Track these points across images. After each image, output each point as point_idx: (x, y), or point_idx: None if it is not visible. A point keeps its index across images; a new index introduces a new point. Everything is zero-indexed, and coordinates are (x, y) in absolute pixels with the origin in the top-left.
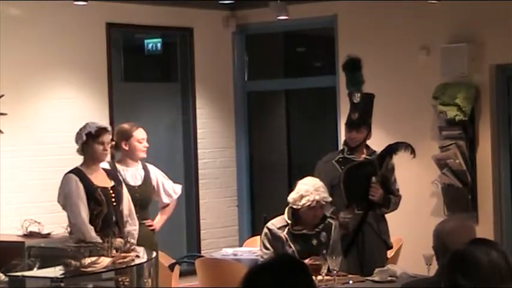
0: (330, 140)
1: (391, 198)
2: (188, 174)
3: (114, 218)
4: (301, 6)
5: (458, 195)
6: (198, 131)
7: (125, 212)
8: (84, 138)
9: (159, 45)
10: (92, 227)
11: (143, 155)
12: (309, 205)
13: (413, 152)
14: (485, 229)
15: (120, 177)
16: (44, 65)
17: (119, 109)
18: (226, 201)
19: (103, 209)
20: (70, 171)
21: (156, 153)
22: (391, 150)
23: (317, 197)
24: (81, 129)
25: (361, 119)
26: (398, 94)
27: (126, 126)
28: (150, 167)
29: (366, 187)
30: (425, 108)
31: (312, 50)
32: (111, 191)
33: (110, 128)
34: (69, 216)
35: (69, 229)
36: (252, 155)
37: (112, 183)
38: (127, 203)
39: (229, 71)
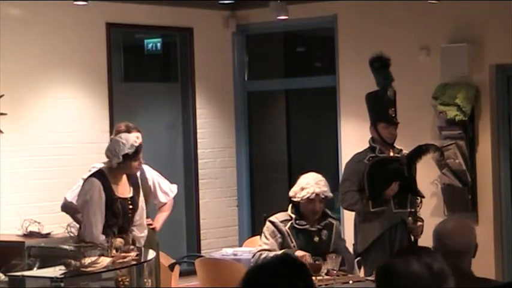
0: (329, 140)
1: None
2: (188, 174)
3: (126, 228)
4: (301, 6)
5: (458, 195)
6: (198, 131)
7: (136, 218)
8: (121, 159)
9: (159, 45)
10: (104, 238)
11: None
12: (308, 197)
13: (442, 154)
14: (485, 229)
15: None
16: (44, 65)
17: (118, 109)
18: (226, 201)
19: (118, 221)
20: (95, 175)
21: (156, 153)
22: (421, 151)
23: (317, 190)
24: (114, 147)
25: (396, 115)
26: (398, 94)
27: (122, 128)
28: (145, 167)
29: (390, 183)
30: (425, 108)
31: (312, 50)
32: (129, 202)
33: (141, 139)
34: (85, 222)
35: (70, 229)
36: (252, 155)
37: (131, 194)
38: (140, 211)
39: (229, 71)
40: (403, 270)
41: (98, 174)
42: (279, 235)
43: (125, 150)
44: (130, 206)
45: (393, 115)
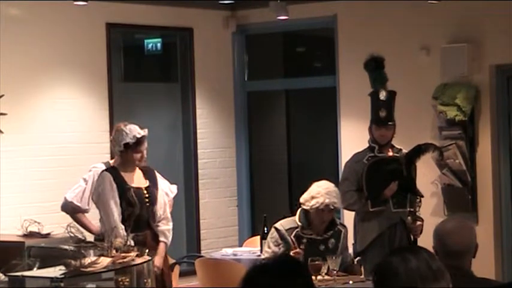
0: (329, 140)
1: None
2: (188, 174)
3: (146, 219)
4: (301, 6)
5: (458, 195)
6: (198, 131)
7: (160, 212)
8: (122, 148)
9: (159, 45)
10: (123, 227)
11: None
12: (317, 207)
13: (441, 154)
14: (485, 229)
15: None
16: (44, 65)
17: (118, 109)
18: (226, 201)
19: (134, 210)
20: (106, 169)
21: (156, 153)
22: (420, 150)
23: (327, 201)
24: (117, 136)
25: (389, 116)
26: (398, 94)
27: (121, 127)
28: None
29: (389, 183)
30: (425, 109)
31: (311, 50)
32: (145, 191)
33: (146, 133)
34: (102, 215)
35: (70, 229)
36: (252, 155)
37: (147, 184)
38: (162, 204)
39: (229, 71)
40: (400, 265)
41: (109, 168)
42: (282, 244)
43: (126, 140)
44: (147, 195)
45: (384, 116)
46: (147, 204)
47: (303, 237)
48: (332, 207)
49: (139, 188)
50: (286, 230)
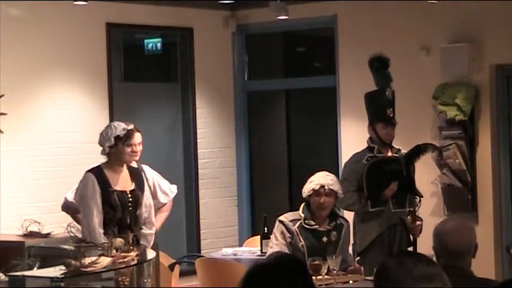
0: (329, 140)
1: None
2: (188, 174)
3: (128, 222)
4: (301, 6)
5: (458, 195)
6: (198, 130)
7: (144, 215)
8: (113, 141)
9: (159, 45)
10: (101, 232)
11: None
12: (313, 188)
13: (440, 154)
14: (485, 229)
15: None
16: (44, 65)
17: (118, 109)
18: (226, 201)
19: (116, 213)
20: (91, 170)
21: (156, 153)
22: (419, 151)
23: (322, 181)
24: (106, 131)
25: (394, 115)
26: (398, 94)
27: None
28: (145, 167)
29: (388, 184)
30: (425, 108)
31: (311, 50)
32: (129, 195)
33: (137, 127)
34: (82, 216)
35: (70, 229)
36: (252, 154)
37: (132, 187)
38: (148, 207)
39: (229, 71)
40: (393, 265)
41: (94, 168)
42: (288, 235)
43: (116, 133)
44: (130, 199)
45: (391, 115)
46: (130, 208)
47: (306, 228)
48: (328, 188)
49: (123, 192)
50: (290, 221)
